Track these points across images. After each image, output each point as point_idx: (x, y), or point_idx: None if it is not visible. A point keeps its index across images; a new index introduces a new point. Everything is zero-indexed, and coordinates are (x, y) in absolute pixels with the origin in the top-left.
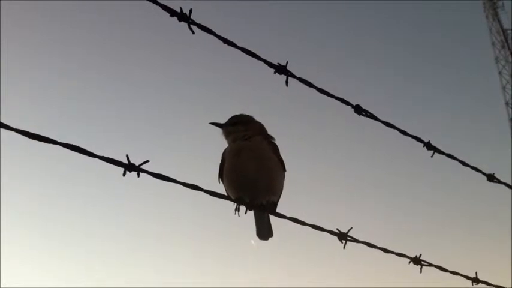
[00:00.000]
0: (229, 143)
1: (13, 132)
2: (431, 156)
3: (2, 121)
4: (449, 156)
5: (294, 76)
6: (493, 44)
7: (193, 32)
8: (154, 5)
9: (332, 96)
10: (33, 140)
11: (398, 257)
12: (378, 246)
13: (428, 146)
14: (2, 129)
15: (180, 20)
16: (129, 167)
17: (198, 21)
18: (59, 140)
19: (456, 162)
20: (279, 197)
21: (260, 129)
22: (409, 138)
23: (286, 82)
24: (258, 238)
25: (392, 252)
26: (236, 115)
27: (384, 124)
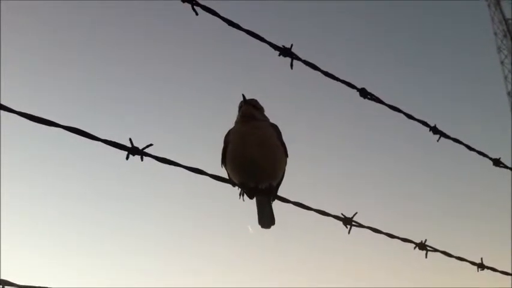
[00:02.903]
0: (237, 123)
1: (15, 115)
2: (437, 141)
3: (3, 103)
4: (456, 140)
5: (298, 59)
6: (495, 33)
7: (196, 14)
8: None
9: (337, 79)
10: (35, 123)
11: (403, 242)
12: (383, 231)
13: (435, 130)
14: (3, 111)
15: (183, 1)
16: (133, 150)
17: (201, 3)
18: (61, 123)
19: (462, 146)
20: (280, 181)
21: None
22: (415, 122)
23: (291, 65)
24: (259, 226)
25: (397, 237)
26: (253, 99)
27: (390, 108)
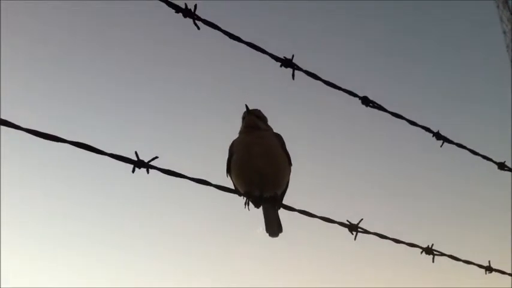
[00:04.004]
0: (241, 134)
1: (21, 132)
2: (441, 146)
3: (11, 121)
4: (459, 145)
5: (300, 69)
6: (504, 32)
7: (198, 28)
8: (159, 1)
9: (339, 88)
10: (41, 139)
11: (410, 247)
12: (389, 237)
13: (438, 135)
14: (11, 128)
15: (185, 16)
16: (139, 163)
17: (202, 17)
18: (68, 139)
19: (466, 151)
20: (285, 190)
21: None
22: (418, 128)
23: (293, 75)
24: (267, 235)
25: (403, 242)
26: (256, 109)
27: (392, 115)
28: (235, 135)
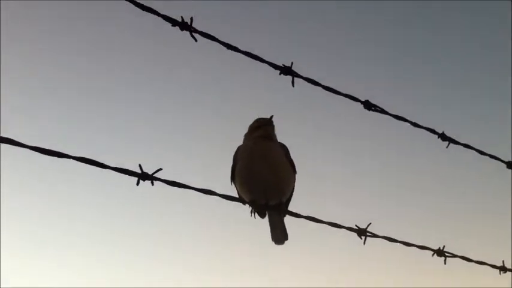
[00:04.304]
0: (248, 141)
1: (26, 149)
2: (447, 147)
3: (13, 138)
4: (466, 146)
5: (299, 76)
6: None
7: (196, 40)
8: (155, 16)
9: (339, 93)
10: (46, 156)
11: (420, 250)
12: (399, 240)
13: (443, 137)
14: (15, 146)
15: (182, 29)
16: (143, 176)
17: (199, 29)
18: (71, 154)
19: (473, 151)
20: (290, 197)
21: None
22: (423, 130)
23: (292, 83)
24: (273, 243)
25: (414, 245)
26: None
27: (395, 118)
28: (236, 144)
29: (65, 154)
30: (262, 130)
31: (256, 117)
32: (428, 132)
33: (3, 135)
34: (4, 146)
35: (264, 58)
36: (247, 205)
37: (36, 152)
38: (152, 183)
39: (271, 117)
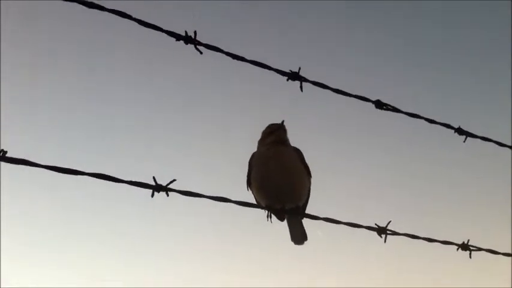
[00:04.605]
0: (263, 147)
1: (41, 169)
2: (464, 141)
3: (27, 159)
4: (484, 138)
5: (307, 80)
6: None
7: (201, 53)
8: (159, 32)
9: (349, 95)
10: (61, 174)
11: (444, 245)
12: (421, 236)
13: (460, 131)
14: (30, 166)
15: (186, 43)
16: (157, 188)
17: (203, 42)
18: (85, 171)
19: (491, 143)
20: (307, 200)
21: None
22: (438, 126)
23: (301, 87)
24: (293, 243)
25: (437, 240)
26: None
27: (408, 115)
28: (248, 151)
29: (79, 171)
30: (275, 135)
31: (268, 123)
32: (444, 128)
33: (17, 156)
34: (19, 167)
35: (271, 65)
36: (263, 210)
37: (51, 171)
38: (167, 194)
39: (283, 121)
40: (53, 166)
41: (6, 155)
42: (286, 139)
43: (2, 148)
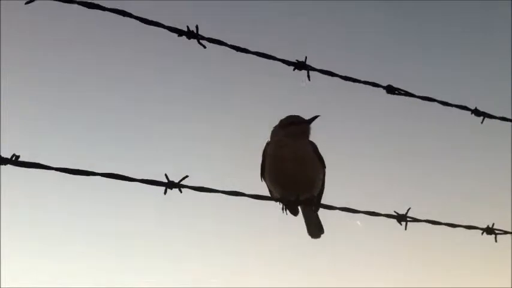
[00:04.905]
0: (277, 138)
1: (52, 171)
2: (481, 123)
3: (39, 162)
4: (502, 119)
5: (314, 69)
6: None
7: (204, 47)
8: (161, 28)
9: (359, 81)
10: (73, 175)
11: (467, 230)
12: (443, 222)
13: (477, 112)
14: (43, 170)
15: (189, 38)
16: (170, 184)
17: (206, 36)
18: (98, 171)
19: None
20: (321, 192)
21: None
22: (453, 108)
23: (308, 76)
24: (310, 237)
25: (460, 225)
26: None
27: (422, 99)
28: (256, 145)
29: (92, 172)
30: (297, 128)
31: (277, 114)
32: (459, 110)
33: (31, 160)
34: (32, 170)
35: (276, 56)
36: (278, 202)
37: (63, 173)
38: (180, 191)
39: (315, 117)
40: (65, 168)
41: (19, 159)
42: (308, 134)
43: (13, 153)
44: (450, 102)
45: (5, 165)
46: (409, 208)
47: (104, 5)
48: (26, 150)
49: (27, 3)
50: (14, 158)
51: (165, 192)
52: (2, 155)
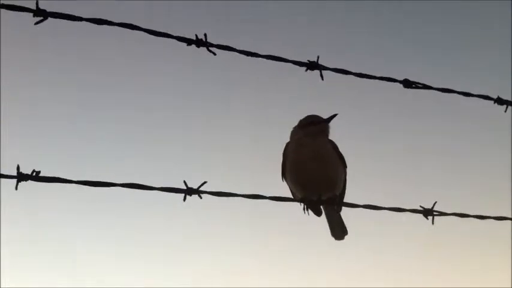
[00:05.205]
0: (297, 137)
1: (73, 184)
2: (505, 111)
3: (60, 176)
4: None
5: (327, 68)
6: None
7: (214, 54)
8: (170, 39)
9: (374, 77)
10: (92, 187)
11: (497, 221)
12: (471, 214)
13: (499, 101)
14: (63, 183)
15: (198, 46)
16: (189, 191)
17: (215, 43)
18: (116, 182)
19: None
20: (344, 191)
21: None
22: (474, 98)
23: (321, 76)
24: (333, 239)
25: (489, 217)
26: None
27: (440, 91)
28: (273, 148)
29: (111, 183)
30: (317, 128)
31: (292, 116)
32: (481, 100)
33: (50, 174)
34: (52, 184)
35: (287, 58)
36: (299, 203)
37: (84, 185)
38: (200, 197)
39: (333, 116)
40: (85, 181)
41: (40, 175)
42: (327, 133)
43: (33, 169)
44: (471, 92)
45: (26, 181)
46: (435, 202)
47: (111, 20)
48: (44, 165)
49: (36, 23)
50: (34, 174)
51: (184, 198)
52: (22, 172)
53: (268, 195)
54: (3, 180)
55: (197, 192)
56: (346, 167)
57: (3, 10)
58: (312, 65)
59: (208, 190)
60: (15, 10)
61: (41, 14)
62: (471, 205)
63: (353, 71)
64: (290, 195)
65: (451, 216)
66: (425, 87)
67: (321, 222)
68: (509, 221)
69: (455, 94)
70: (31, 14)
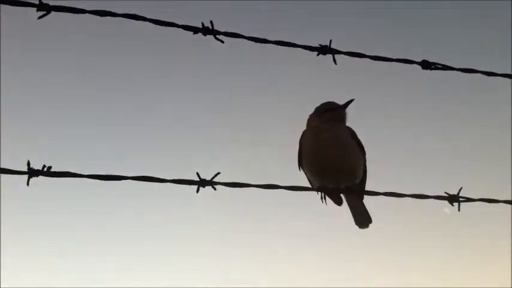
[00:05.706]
0: (314, 125)
1: (84, 178)
2: None
3: (70, 170)
4: None
5: (340, 52)
6: None
7: (222, 42)
8: (176, 28)
9: (390, 60)
10: (104, 181)
11: None
12: (500, 199)
13: None
14: (75, 178)
15: (205, 35)
16: (202, 182)
17: (222, 30)
18: (128, 175)
19: None
20: (364, 180)
21: None
22: (498, 78)
23: (334, 61)
24: (357, 227)
25: None
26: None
27: (462, 71)
28: (286, 137)
29: (122, 176)
30: (333, 114)
31: (304, 103)
32: (505, 79)
33: (60, 169)
34: (62, 179)
35: (297, 43)
36: (317, 192)
37: (94, 179)
38: (214, 188)
39: (350, 101)
40: (96, 175)
41: (51, 170)
42: (345, 119)
43: (44, 164)
44: (495, 71)
45: (37, 176)
46: (461, 188)
47: (115, 11)
48: (54, 160)
49: (40, 17)
50: (45, 169)
51: (198, 190)
52: (33, 167)
53: (283, 185)
54: (14, 176)
55: (211, 183)
56: (365, 154)
57: (4, 6)
58: (324, 50)
59: (221, 181)
60: (18, 5)
61: (44, 8)
62: (498, 191)
63: (367, 54)
64: (306, 185)
65: (478, 202)
66: (446, 67)
67: (342, 211)
68: None
69: (478, 74)
70: (34, 9)
